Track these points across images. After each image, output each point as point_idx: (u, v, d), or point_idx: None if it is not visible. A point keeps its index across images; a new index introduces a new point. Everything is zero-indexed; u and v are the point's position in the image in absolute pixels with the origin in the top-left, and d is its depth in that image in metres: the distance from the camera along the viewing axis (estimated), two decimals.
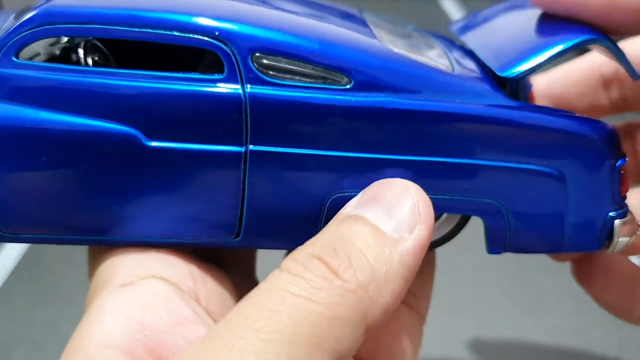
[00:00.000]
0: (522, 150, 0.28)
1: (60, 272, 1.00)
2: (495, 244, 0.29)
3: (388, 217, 0.25)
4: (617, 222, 0.29)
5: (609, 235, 0.30)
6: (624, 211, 0.30)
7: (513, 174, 0.28)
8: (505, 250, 0.30)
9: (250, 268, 0.36)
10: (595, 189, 0.29)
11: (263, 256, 0.38)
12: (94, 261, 0.29)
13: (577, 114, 0.30)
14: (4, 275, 1.00)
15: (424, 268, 0.30)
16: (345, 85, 0.26)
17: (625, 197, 0.30)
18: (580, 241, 0.30)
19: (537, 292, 0.97)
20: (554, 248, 0.30)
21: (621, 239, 0.30)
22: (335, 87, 0.26)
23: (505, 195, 0.28)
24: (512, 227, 0.29)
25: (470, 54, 0.33)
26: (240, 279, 0.32)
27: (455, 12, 2.63)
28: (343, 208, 0.26)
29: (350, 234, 0.24)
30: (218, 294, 0.28)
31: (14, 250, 1.07)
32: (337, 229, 0.25)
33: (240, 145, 0.26)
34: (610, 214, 0.29)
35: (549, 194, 0.29)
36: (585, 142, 0.28)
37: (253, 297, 0.22)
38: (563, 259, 0.39)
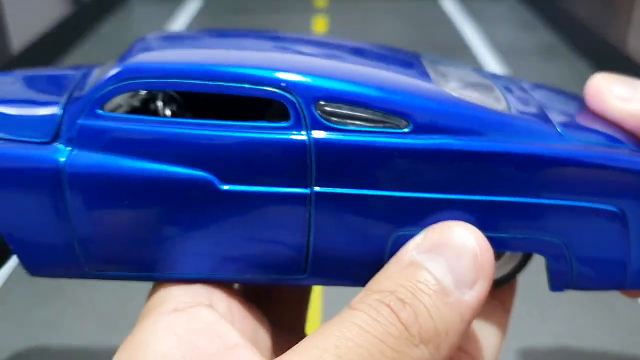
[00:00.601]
0: (582, 189, 0.28)
1: None
2: (558, 282, 0.29)
3: (450, 271, 0.25)
4: None
5: None
6: None
7: (575, 212, 0.28)
8: (568, 288, 0.30)
9: (299, 322, 0.38)
10: None
11: None
12: (154, 287, 0.30)
13: (635, 150, 0.30)
14: (4, 275, 1.00)
15: (488, 327, 0.31)
16: (404, 128, 0.27)
17: None
18: None
19: (537, 293, 0.97)
20: (616, 285, 0.30)
21: None
22: (394, 130, 0.27)
23: (568, 233, 0.29)
24: (574, 265, 0.29)
25: (528, 93, 0.34)
26: (286, 327, 0.34)
27: (455, 12, 2.63)
28: (406, 246, 0.27)
29: (415, 287, 0.25)
30: (252, 331, 0.29)
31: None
32: (401, 276, 0.25)
33: (306, 187, 0.27)
34: None
35: (611, 233, 0.29)
36: None
37: (334, 326, 0.24)
38: (634, 295, 0.39)
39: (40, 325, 0.90)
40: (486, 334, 0.30)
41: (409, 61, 0.33)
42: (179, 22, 2.36)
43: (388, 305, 0.24)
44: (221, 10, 2.55)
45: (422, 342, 0.24)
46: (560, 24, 2.23)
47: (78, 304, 0.94)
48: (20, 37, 1.79)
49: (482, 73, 0.35)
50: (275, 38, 0.32)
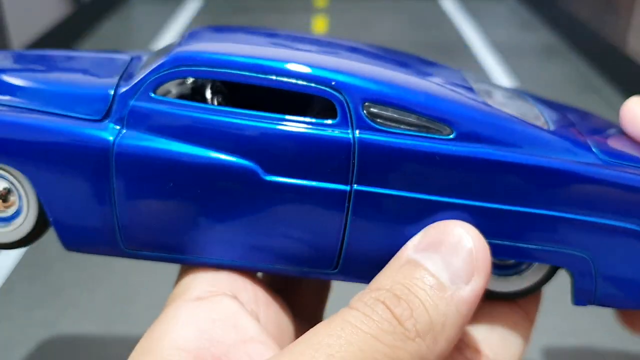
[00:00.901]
0: (612, 207, 0.29)
1: (60, 272, 1.00)
2: (581, 296, 0.30)
3: (446, 267, 0.26)
4: None
5: None
6: None
7: (603, 230, 0.29)
8: (591, 303, 0.30)
9: (318, 313, 0.39)
10: None
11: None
12: (180, 274, 0.32)
13: None
14: (4, 275, 1.00)
15: (511, 336, 0.31)
16: (448, 135, 0.28)
17: None
18: None
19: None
20: (638, 305, 0.30)
21: None
22: (437, 136, 0.28)
23: (595, 249, 0.29)
24: (599, 281, 0.30)
25: (562, 112, 0.34)
26: (306, 317, 0.35)
27: (455, 12, 2.63)
28: (404, 248, 0.27)
29: (411, 283, 0.25)
30: (276, 319, 0.30)
31: (14, 251, 1.07)
32: (398, 273, 0.26)
33: (347, 184, 0.28)
34: None
35: (635, 252, 0.29)
36: None
37: (328, 325, 0.24)
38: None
39: (40, 325, 0.90)
40: (509, 343, 0.30)
41: (453, 75, 0.34)
42: (179, 22, 2.36)
43: (383, 302, 0.24)
44: (221, 10, 2.55)
45: (418, 335, 0.24)
46: (560, 24, 2.24)
47: (78, 304, 0.94)
48: (20, 37, 1.79)
49: (519, 92, 0.36)
50: (313, 41, 0.33)
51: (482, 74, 1.77)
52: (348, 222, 0.28)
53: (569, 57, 2.02)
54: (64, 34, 2.07)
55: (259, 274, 0.32)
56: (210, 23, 2.44)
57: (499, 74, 1.82)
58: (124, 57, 0.34)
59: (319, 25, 2.32)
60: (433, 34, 2.21)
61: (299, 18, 2.41)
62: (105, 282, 0.96)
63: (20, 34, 1.80)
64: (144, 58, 0.32)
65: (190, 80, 0.31)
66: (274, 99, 0.30)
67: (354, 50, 0.32)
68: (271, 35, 0.33)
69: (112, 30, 2.29)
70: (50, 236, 0.31)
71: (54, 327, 0.89)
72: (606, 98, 1.69)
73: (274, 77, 0.28)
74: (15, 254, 1.04)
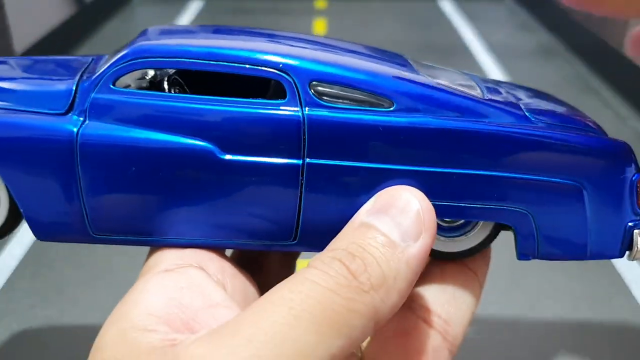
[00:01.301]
0: (546, 165, 0.31)
1: (62, 271, 1.01)
2: (525, 251, 0.32)
3: (396, 227, 0.28)
4: (636, 231, 0.32)
5: (630, 243, 0.32)
6: None
7: (539, 185, 0.31)
8: (534, 257, 0.32)
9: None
10: (614, 201, 0.31)
11: None
12: (149, 253, 0.33)
13: (595, 131, 0.33)
14: (6, 273, 1.01)
15: (461, 296, 0.33)
16: (389, 108, 0.30)
17: None
18: (603, 249, 0.32)
19: (533, 291, 0.98)
20: (579, 255, 0.32)
21: None
22: (380, 109, 0.30)
23: (532, 204, 0.31)
24: (539, 235, 0.32)
25: (504, 87, 0.36)
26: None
27: (453, 14, 2.64)
28: (357, 214, 0.29)
29: (364, 242, 0.27)
30: (243, 289, 0.32)
31: (17, 249, 1.08)
32: (352, 235, 0.28)
33: (299, 158, 0.30)
34: (630, 224, 0.32)
35: (571, 205, 0.31)
36: (603, 158, 0.31)
37: (288, 282, 0.26)
38: None
39: (42, 323, 0.91)
40: (460, 302, 0.32)
41: (397, 59, 0.35)
42: (181, 23, 2.37)
43: (339, 260, 0.26)
44: (222, 11, 2.56)
45: (372, 288, 0.26)
46: (558, 26, 2.24)
47: (80, 302, 0.95)
48: (22, 39, 1.80)
49: (467, 74, 0.37)
50: (269, 35, 0.35)
51: (480, 75, 1.77)
52: (303, 195, 0.30)
53: (567, 59, 2.02)
54: (67, 36, 2.08)
55: (227, 252, 0.34)
56: (212, 24, 2.43)
57: (497, 75, 1.82)
58: (86, 58, 0.36)
59: (319, 27, 2.33)
60: (431, 35, 2.22)
61: (299, 20, 2.41)
62: (107, 280, 0.97)
63: (23, 35, 1.81)
64: (105, 58, 0.34)
65: (149, 75, 0.33)
66: (234, 90, 0.32)
67: (307, 40, 0.34)
68: (222, 30, 0.35)
69: (114, 32, 2.30)
70: None
71: (56, 325, 0.90)
72: (604, 100, 1.70)
73: (225, 63, 0.29)
74: (18, 252, 1.05)
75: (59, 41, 2.02)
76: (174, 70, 0.34)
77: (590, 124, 0.34)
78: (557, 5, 2.28)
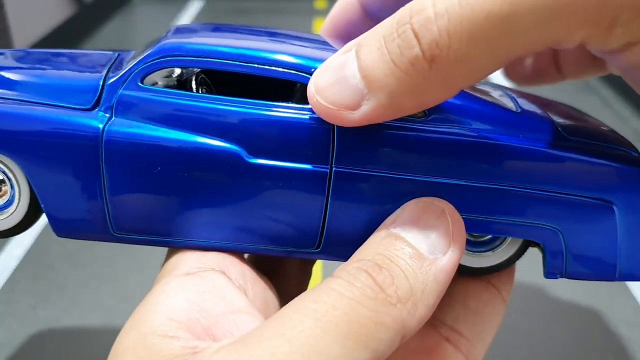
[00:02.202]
0: (577, 182, 0.30)
1: (62, 271, 1.01)
2: (553, 270, 0.31)
3: (425, 239, 0.27)
4: None
5: None
6: None
7: (570, 202, 0.30)
8: (562, 276, 0.32)
9: (302, 289, 0.40)
10: None
11: None
12: (168, 255, 0.32)
13: (629, 152, 0.32)
14: (7, 274, 1.01)
15: (485, 314, 0.32)
16: (421, 117, 0.29)
17: None
18: (633, 270, 0.31)
19: (533, 291, 0.98)
20: (607, 276, 0.32)
21: None
22: (412, 118, 0.29)
23: (563, 222, 0.30)
24: (568, 253, 0.31)
25: (526, 99, 0.36)
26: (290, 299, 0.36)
27: None
28: (383, 223, 0.29)
29: (392, 253, 0.26)
30: (263, 295, 0.31)
31: (17, 250, 1.08)
32: (379, 245, 0.27)
33: (326, 165, 0.29)
34: None
35: (602, 224, 0.31)
36: (635, 178, 0.31)
37: (313, 293, 0.25)
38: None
39: (43, 323, 0.91)
40: (484, 321, 0.32)
41: None
42: (181, 23, 2.37)
43: (365, 271, 0.26)
44: (222, 11, 2.56)
45: (399, 301, 0.25)
46: None
47: (81, 302, 0.95)
48: (22, 39, 1.81)
49: (497, 86, 0.38)
50: (294, 37, 0.35)
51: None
52: (329, 202, 0.29)
53: None
54: (67, 35, 2.08)
55: (245, 256, 0.33)
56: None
57: (497, 75, 1.82)
58: (114, 53, 0.35)
59: (319, 27, 2.33)
60: None
61: (299, 20, 2.41)
62: (107, 280, 0.97)
63: (23, 35, 1.81)
64: (133, 53, 0.34)
65: (176, 73, 0.33)
66: (255, 92, 0.32)
67: (330, 45, 0.34)
68: (254, 31, 0.35)
69: (114, 31, 2.30)
70: (53, 235, 0.32)
71: (57, 326, 0.90)
72: (604, 100, 1.70)
73: (256, 65, 0.29)
74: (19, 253, 1.05)
75: (59, 41, 2.02)
76: (200, 70, 0.34)
77: (622, 142, 0.33)
78: None
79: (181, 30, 0.33)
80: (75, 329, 0.94)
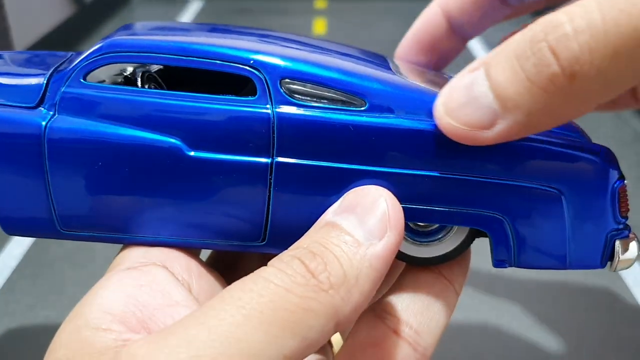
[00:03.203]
0: (522, 169, 0.30)
1: (61, 271, 1.01)
2: (500, 258, 0.31)
3: (360, 225, 0.27)
4: (618, 241, 0.31)
5: (611, 253, 0.31)
6: (625, 231, 0.31)
7: (514, 190, 0.30)
8: (511, 265, 0.31)
9: None
10: (595, 209, 0.30)
11: None
12: (119, 251, 0.32)
13: (578, 139, 0.31)
14: (6, 274, 1.01)
15: (435, 305, 0.32)
16: (361, 107, 0.29)
17: (626, 217, 0.31)
18: (584, 259, 0.31)
19: (533, 291, 0.98)
20: (558, 265, 0.31)
21: (623, 257, 0.31)
22: (351, 108, 0.29)
23: (508, 210, 0.30)
24: (515, 241, 0.31)
25: None
26: None
27: None
28: (324, 214, 0.28)
29: (327, 240, 0.26)
30: (209, 289, 0.31)
31: (16, 249, 1.08)
32: (316, 234, 0.27)
33: (268, 157, 0.29)
34: (612, 233, 0.31)
35: (549, 212, 0.30)
36: (584, 164, 0.30)
37: (242, 282, 0.25)
38: None
39: (42, 323, 0.91)
40: (433, 312, 0.31)
41: (376, 59, 0.35)
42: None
43: (299, 259, 0.25)
44: (222, 11, 2.56)
45: (332, 287, 0.25)
46: None
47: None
48: (22, 39, 1.81)
49: (451, 76, 0.37)
50: (260, 35, 0.34)
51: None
52: (271, 194, 0.29)
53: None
54: (66, 36, 2.08)
55: (205, 253, 0.34)
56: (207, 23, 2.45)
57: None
58: (67, 54, 0.35)
59: (319, 27, 2.33)
60: None
61: (299, 20, 2.42)
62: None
63: (23, 36, 1.81)
64: (83, 53, 0.34)
65: (127, 71, 0.33)
66: (209, 88, 0.31)
67: (288, 40, 0.34)
68: (215, 29, 0.35)
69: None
70: None
71: (56, 325, 0.90)
72: None
73: (195, 58, 0.29)
74: (18, 253, 1.05)
75: (59, 41, 2.02)
76: (156, 67, 0.34)
77: (572, 127, 0.33)
78: (558, 5, 2.28)
79: (134, 27, 0.33)
80: None
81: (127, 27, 0.33)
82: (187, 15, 2.48)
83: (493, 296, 0.95)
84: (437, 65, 0.40)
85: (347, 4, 2.60)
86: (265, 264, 0.37)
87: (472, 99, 0.26)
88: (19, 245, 1.07)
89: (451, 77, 0.37)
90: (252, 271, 0.36)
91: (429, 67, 0.39)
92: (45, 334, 0.89)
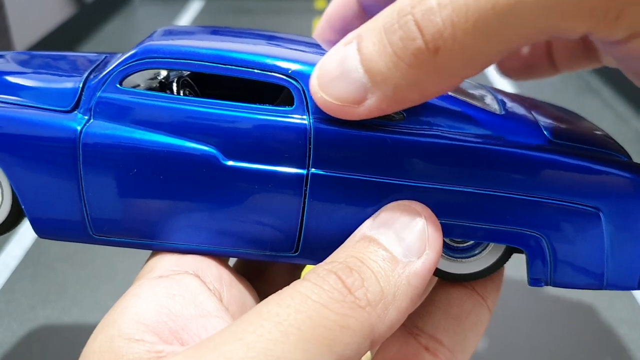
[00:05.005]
0: (561, 188, 0.29)
1: (62, 271, 1.01)
2: (536, 277, 0.31)
3: (399, 241, 0.26)
4: None
5: None
6: None
7: (553, 208, 0.29)
8: (547, 284, 0.31)
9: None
10: (633, 229, 0.30)
11: None
12: (149, 258, 0.32)
13: (618, 157, 0.31)
14: (7, 273, 1.01)
15: (468, 322, 0.31)
16: (399, 120, 0.29)
17: None
18: (621, 279, 0.30)
19: (532, 290, 0.98)
20: (595, 284, 0.31)
21: None
22: (389, 122, 0.29)
23: (546, 228, 0.30)
24: (552, 260, 0.30)
25: (516, 101, 0.35)
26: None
27: None
28: (360, 227, 0.28)
29: (364, 256, 0.26)
30: (240, 299, 0.30)
31: (17, 250, 1.08)
32: (353, 248, 0.27)
33: (303, 168, 0.29)
34: None
35: (588, 231, 0.30)
36: (623, 184, 0.30)
37: (278, 296, 0.25)
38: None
39: (43, 324, 0.91)
40: (466, 329, 0.31)
41: None
42: (181, 23, 2.37)
43: (335, 273, 0.25)
44: (222, 11, 2.56)
45: (369, 304, 0.24)
46: None
47: (80, 302, 0.95)
48: (23, 39, 1.81)
49: (484, 86, 0.37)
50: (278, 38, 0.34)
51: (480, 76, 1.76)
52: (306, 206, 0.29)
53: None
54: (67, 36, 2.08)
55: (233, 261, 0.33)
56: (212, 24, 2.45)
57: (497, 76, 1.82)
58: (100, 56, 0.35)
59: None
60: None
61: (299, 20, 2.41)
62: (107, 280, 0.97)
63: (23, 35, 1.81)
64: (117, 56, 0.34)
65: (162, 76, 0.33)
66: (244, 95, 0.31)
67: (314, 45, 0.34)
68: (236, 33, 0.34)
69: (114, 32, 2.31)
70: None
71: (56, 325, 0.90)
72: (605, 100, 1.70)
73: (234, 67, 0.29)
74: (18, 253, 1.05)
75: (59, 41, 2.02)
76: (187, 73, 0.33)
77: (613, 146, 0.32)
78: None
79: (163, 33, 0.33)
80: (74, 328, 0.94)
81: (154, 33, 0.33)
82: (187, 15, 2.48)
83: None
84: None
85: None
86: (293, 273, 0.37)
87: (344, 73, 0.26)
88: (19, 245, 1.07)
89: (487, 87, 0.37)
90: (279, 280, 0.36)
91: None
92: (45, 334, 0.89)
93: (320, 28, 0.40)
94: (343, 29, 0.39)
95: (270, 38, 0.34)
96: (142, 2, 2.69)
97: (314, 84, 0.27)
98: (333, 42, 0.40)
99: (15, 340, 0.88)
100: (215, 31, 0.34)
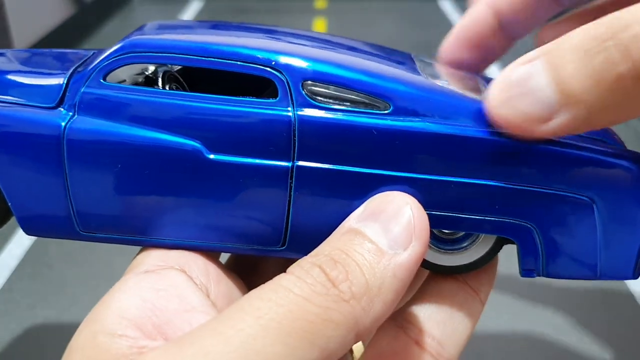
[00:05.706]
0: (552, 177, 0.29)
1: (61, 271, 1.01)
2: (528, 267, 0.30)
3: (385, 233, 0.26)
4: None
5: None
6: None
7: (545, 198, 0.29)
8: (539, 275, 0.30)
9: None
10: (628, 218, 0.30)
11: None
12: (137, 253, 0.31)
13: (612, 145, 0.31)
14: (6, 273, 1.01)
15: (459, 315, 0.31)
16: (385, 110, 0.28)
17: None
18: (615, 269, 0.30)
19: (532, 290, 0.98)
20: (588, 275, 0.30)
21: None
22: (375, 111, 0.28)
23: (538, 218, 0.29)
24: (544, 250, 0.30)
25: None
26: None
27: (453, 13, 2.64)
28: (346, 219, 0.28)
29: (349, 248, 0.26)
30: (228, 294, 0.30)
31: (17, 249, 1.08)
32: (338, 241, 0.26)
33: (288, 160, 0.28)
34: None
35: (580, 221, 0.29)
36: (618, 172, 0.29)
37: (260, 290, 0.24)
38: None
39: (42, 323, 0.91)
40: (457, 322, 0.31)
41: (400, 58, 0.34)
42: None
43: (319, 266, 0.25)
44: (222, 11, 2.56)
45: (353, 297, 0.24)
46: None
47: (80, 302, 0.95)
48: (22, 39, 1.81)
49: (477, 76, 0.36)
50: (269, 31, 0.34)
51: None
52: (292, 198, 0.29)
53: None
54: (67, 36, 2.08)
55: (224, 256, 0.33)
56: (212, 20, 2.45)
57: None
58: (88, 52, 0.35)
59: (319, 27, 2.33)
60: (432, 35, 2.22)
61: (299, 19, 2.42)
62: (107, 279, 0.97)
63: (23, 35, 1.81)
64: (104, 52, 0.33)
65: (149, 71, 0.33)
66: (232, 89, 0.31)
67: (306, 37, 0.33)
68: (220, 25, 0.34)
69: (114, 31, 2.31)
70: None
71: (56, 325, 0.90)
72: None
73: (216, 59, 0.29)
74: (18, 252, 1.05)
75: (59, 41, 2.02)
76: (176, 68, 0.33)
77: (607, 133, 0.33)
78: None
79: (150, 27, 0.33)
80: (74, 328, 0.93)
81: (141, 28, 0.33)
82: (187, 15, 2.48)
83: (492, 296, 0.95)
84: (481, 63, 0.40)
85: (347, 4, 2.60)
86: (286, 267, 0.36)
87: (529, 91, 0.26)
88: (19, 245, 1.07)
89: (487, 78, 0.36)
90: (271, 274, 0.35)
91: (472, 65, 0.39)
92: (45, 334, 0.89)
93: (449, 42, 0.39)
94: (478, 45, 0.38)
95: (265, 31, 0.33)
96: (141, 2, 2.69)
97: (494, 100, 0.27)
98: (464, 58, 0.39)
99: (14, 339, 0.88)
100: (215, 25, 0.34)
